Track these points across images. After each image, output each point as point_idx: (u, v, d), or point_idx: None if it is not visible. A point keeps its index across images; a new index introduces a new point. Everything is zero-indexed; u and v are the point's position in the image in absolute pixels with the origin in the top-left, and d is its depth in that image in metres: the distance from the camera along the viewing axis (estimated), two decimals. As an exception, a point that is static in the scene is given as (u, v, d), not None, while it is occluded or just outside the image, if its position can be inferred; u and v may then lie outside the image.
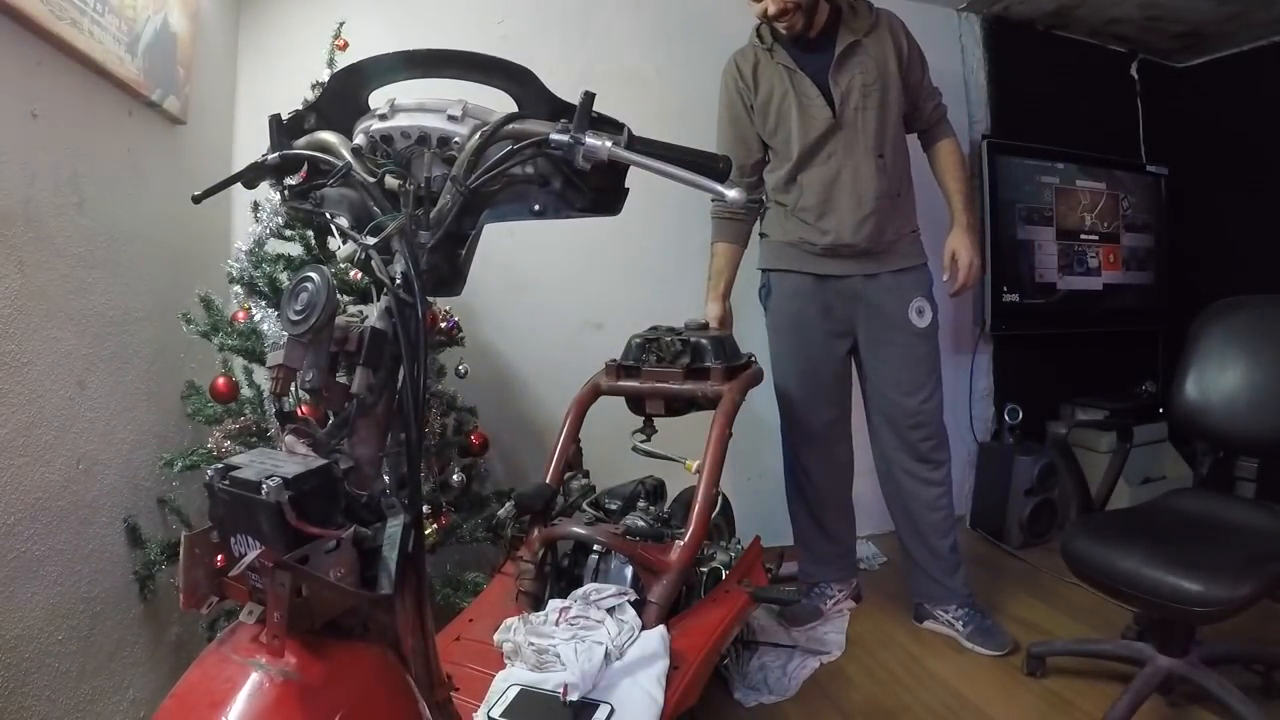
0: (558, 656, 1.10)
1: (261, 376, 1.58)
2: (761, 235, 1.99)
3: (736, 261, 1.97)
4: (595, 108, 0.71)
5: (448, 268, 0.75)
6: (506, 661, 1.15)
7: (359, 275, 1.51)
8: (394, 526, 0.65)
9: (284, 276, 1.54)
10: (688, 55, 2.32)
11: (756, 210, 1.98)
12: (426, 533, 1.06)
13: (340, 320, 0.67)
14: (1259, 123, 2.62)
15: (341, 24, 1.71)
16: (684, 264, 2.33)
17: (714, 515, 1.44)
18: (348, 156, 0.72)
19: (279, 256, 1.58)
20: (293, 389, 0.65)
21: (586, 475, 1.62)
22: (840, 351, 1.93)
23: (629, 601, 1.25)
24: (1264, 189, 2.65)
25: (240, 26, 2.03)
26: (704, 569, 1.45)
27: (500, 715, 1.03)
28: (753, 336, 2.00)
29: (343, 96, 0.80)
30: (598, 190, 0.76)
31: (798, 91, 1.81)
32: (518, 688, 1.07)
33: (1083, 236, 2.85)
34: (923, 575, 1.92)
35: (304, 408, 0.68)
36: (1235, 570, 1.28)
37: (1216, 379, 1.61)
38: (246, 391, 1.55)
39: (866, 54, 1.80)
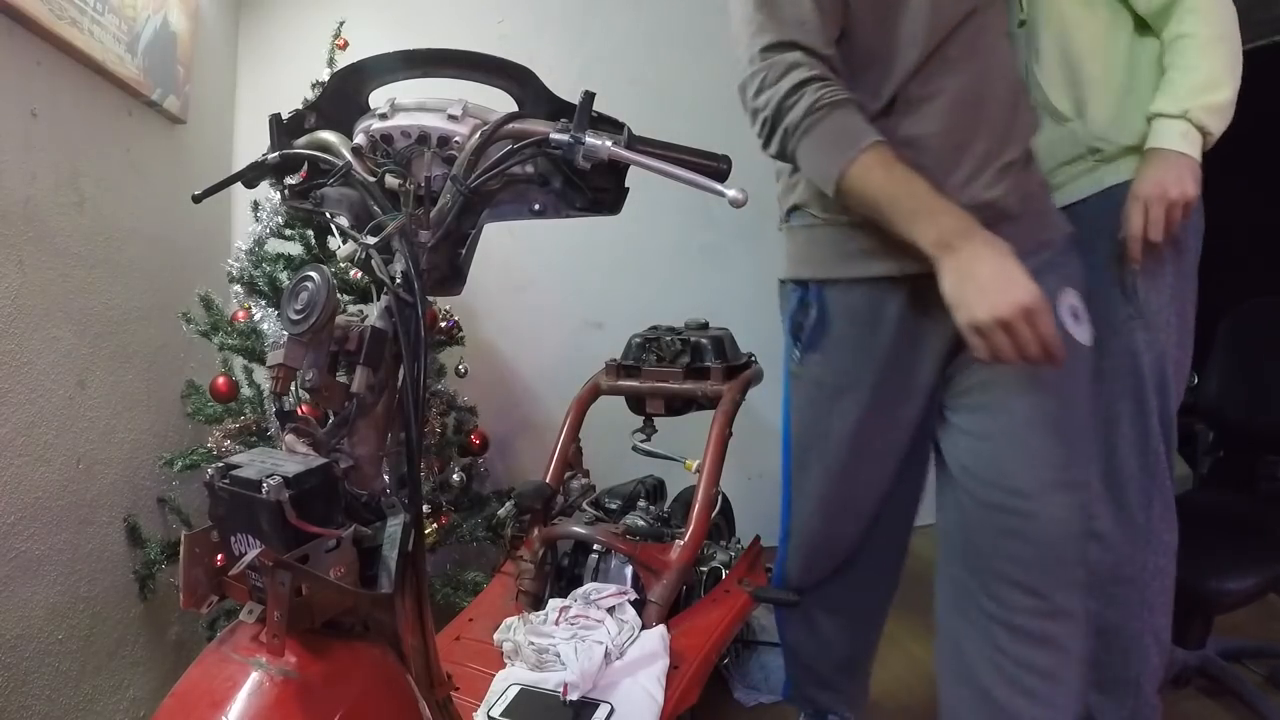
0: (558, 656, 1.10)
1: (261, 376, 1.58)
2: (792, 211, 1.01)
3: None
4: (595, 107, 0.71)
5: (448, 267, 0.75)
6: (506, 661, 1.15)
7: (359, 275, 1.51)
8: (394, 525, 0.65)
9: (284, 276, 1.54)
10: (688, 54, 2.32)
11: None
12: (426, 532, 1.06)
13: (340, 319, 0.67)
14: (1259, 122, 2.61)
15: (341, 23, 1.71)
16: (684, 264, 2.33)
17: (714, 515, 1.44)
18: (348, 156, 0.72)
19: (279, 256, 1.58)
20: (293, 388, 0.65)
21: (586, 475, 1.62)
22: (913, 416, 1.01)
23: (629, 601, 1.25)
24: (1265, 189, 2.65)
25: (240, 26, 2.03)
26: (704, 569, 1.45)
27: (500, 715, 1.03)
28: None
29: (343, 96, 0.80)
30: (598, 190, 0.76)
31: None
32: (518, 687, 1.07)
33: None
34: None
35: (304, 407, 0.68)
36: (1245, 561, 1.33)
37: (1244, 379, 1.64)
38: (246, 391, 1.55)
39: None
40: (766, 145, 0.88)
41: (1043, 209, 0.96)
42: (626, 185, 0.78)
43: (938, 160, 0.86)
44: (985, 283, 0.75)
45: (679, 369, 1.60)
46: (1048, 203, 0.99)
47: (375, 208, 0.69)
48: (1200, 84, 1.07)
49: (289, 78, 1.77)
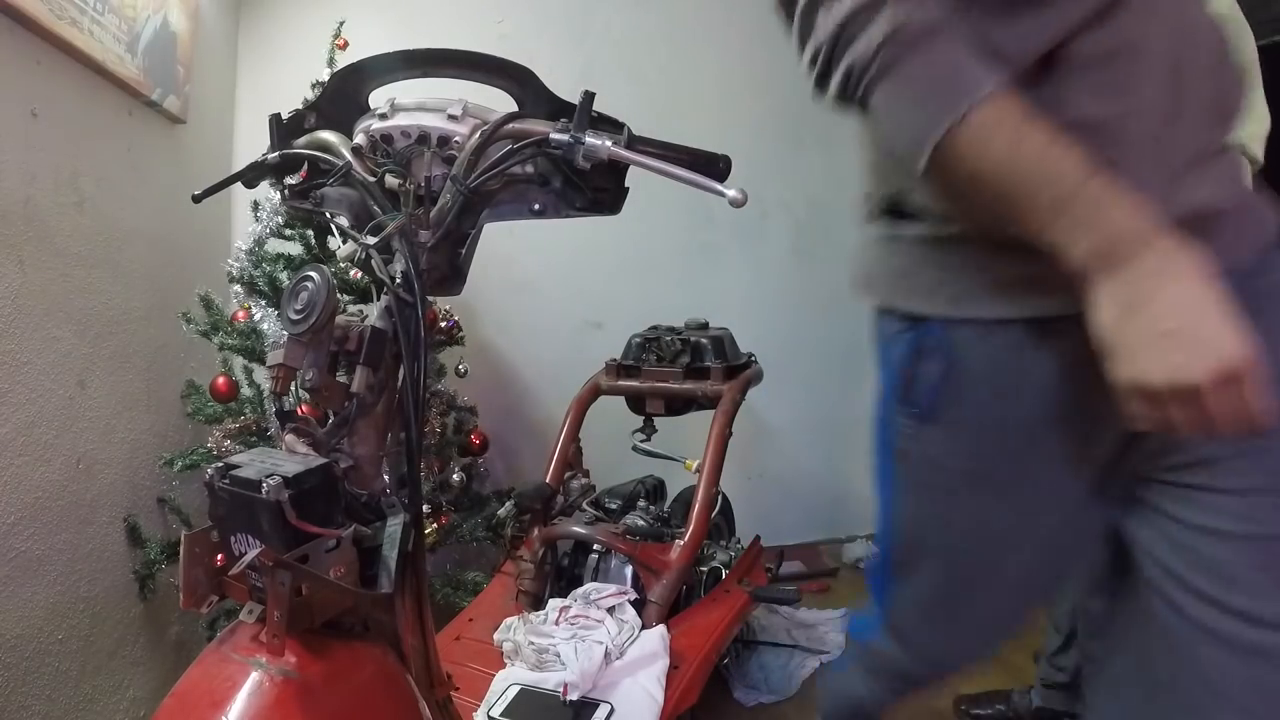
0: (558, 656, 1.10)
1: (261, 376, 1.58)
2: (896, 210, 0.68)
3: None
4: (595, 107, 0.71)
5: (448, 267, 0.75)
6: (506, 661, 1.15)
7: (359, 275, 1.51)
8: (394, 525, 0.65)
9: (284, 276, 1.54)
10: (688, 54, 2.32)
11: None
12: (426, 532, 1.06)
13: (340, 319, 0.67)
14: (1259, 122, 2.62)
15: (341, 23, 1.71)
16: (684, 264, 2.33)
17: (714, 515, 1.44)
18: (348, 156, 0.72)
19: (279, 256, 1.58)
20: (293, 388, 0.65)
21: (586, 475, 1.62)
22: (1075, 506, 0.69)
23: (629, 601, 1.25)
24: (1265, 189, 2.65)
25: (240, 26, 2.03)
26: (704, 569, 1.45)
27: (500, 714, 1.03)
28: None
29: (343, 96, 0.80)
30: (598, 190, 0.76)
31: None
32: (518, 687, 1.07)
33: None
34: None
35: (304, 407, 0.68)
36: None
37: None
38: (246, 391, 1.55)
39: None
40: (820, 86, 0.59)
41: (1253, 196, 0.64)
42: (626, 185, 0.78)
43: (1133, 153, 0.56)
44: (1167, 324, 0.48)
45: (679, 369, 1.60)
46: (1255, 187, 0.66)
47: (375, 208, 0.69)
48: (1248, 116, 1.16)
49: (289, 78, 1.77)
